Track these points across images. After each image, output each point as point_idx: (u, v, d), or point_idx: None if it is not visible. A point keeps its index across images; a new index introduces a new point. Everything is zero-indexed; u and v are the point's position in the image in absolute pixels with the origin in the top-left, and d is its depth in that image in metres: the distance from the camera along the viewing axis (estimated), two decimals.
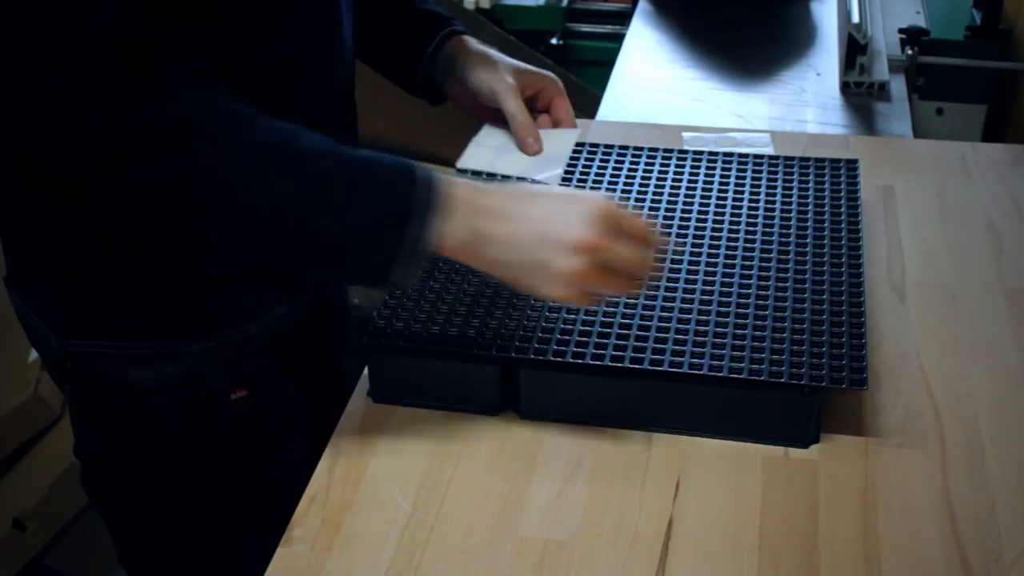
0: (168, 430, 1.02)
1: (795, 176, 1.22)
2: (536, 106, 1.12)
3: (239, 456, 1.06)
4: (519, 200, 0.88)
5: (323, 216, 0.81)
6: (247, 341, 1.02)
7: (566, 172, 1.22)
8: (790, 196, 1.19)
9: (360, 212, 0.82)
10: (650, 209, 1.16)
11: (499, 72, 1.08)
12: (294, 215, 0.81)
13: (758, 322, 0.99)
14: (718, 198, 1.18)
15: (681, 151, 1.27)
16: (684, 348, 0.96)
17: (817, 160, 1.25)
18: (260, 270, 0.95)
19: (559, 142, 1.10)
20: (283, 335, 1.05)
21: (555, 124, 1.12)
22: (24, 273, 1.01)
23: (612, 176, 1.23)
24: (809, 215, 1.15)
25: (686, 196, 1.19)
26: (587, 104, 2.09)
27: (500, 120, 1.10)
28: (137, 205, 0.82)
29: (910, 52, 1.83)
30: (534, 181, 1.06)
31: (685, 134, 1.42)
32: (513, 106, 1.07)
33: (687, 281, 1.05)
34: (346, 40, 1.01)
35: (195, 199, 0.80)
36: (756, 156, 1.26)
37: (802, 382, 0.93)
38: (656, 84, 1.73)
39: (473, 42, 1.12)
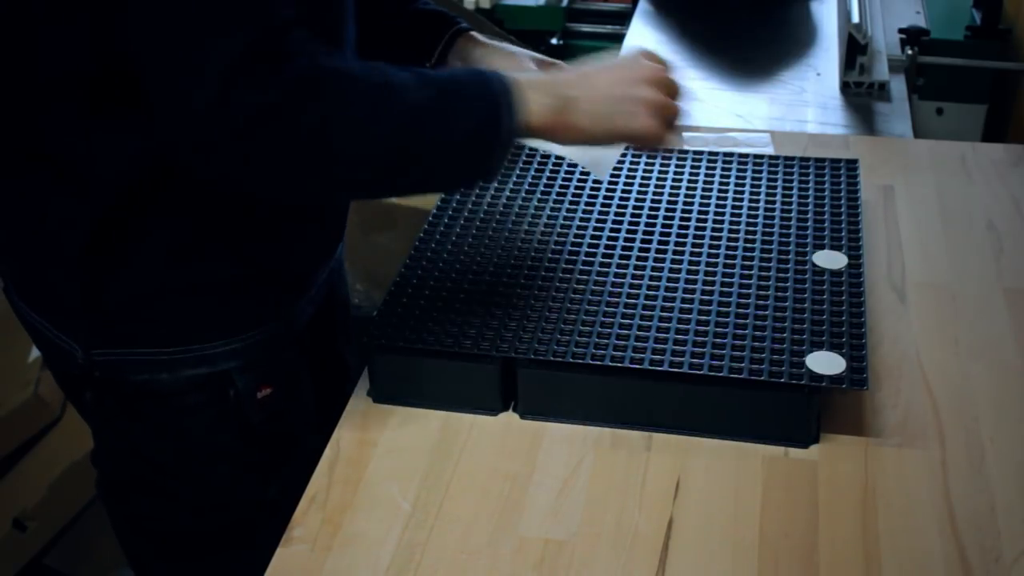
0: (196, 431, 1.03)
1: (795, 176, 1.22)
2: None
3: (264, 454, 1.06)
4: (582, 69, 1.00)
5: (435, 132, 0.91)
6: (270, 339, 1.03)
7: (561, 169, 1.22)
8: (790, 196, 1.19)
9: (465, 121, 0.91)
10: (650, 209, 1.16)
11: (519, 59, 1.12)
12: (413, 136, 0.90)
13: (758, 322, 0.99)
14: (718, 198, 1.18)
15: (681, 151, 1.27)
16: (684, 348, 0.96)
17: (817, 160, 1.25)
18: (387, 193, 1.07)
19: None
20: (298, 332, 1.06)
21: None
22: (45, 289, 1.00)
23: (612, 176, 1.22)
24: (809, 215, 1.15)
25: (686, 196, 1.19)
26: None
27: None
28: (272, 166, 0.87)
29: (910, 52, 1.83)
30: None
31: (685, 134, 1.42)
32: None
33: (687, 281, 1.05)
34: (349, 44, 1.02)
35: (339, 140, 0.87)
36: (756, 156, 1.26)
37: (802, 382, 0.93)
38: None
39: (483, 37, 1.14)
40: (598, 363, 0.95)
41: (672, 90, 1.00)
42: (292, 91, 0.83)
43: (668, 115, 0.98)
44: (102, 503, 1.14)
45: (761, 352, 0.95)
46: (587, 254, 1.09)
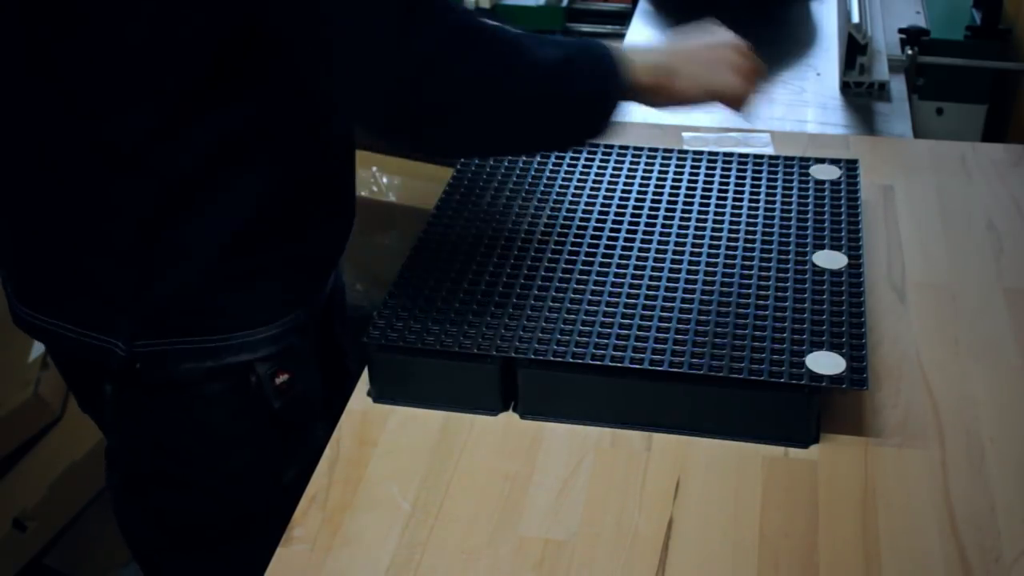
0: (215, 419, 1.04)
1: (795, 176, 1.22)
2: None
3: (280, 440, 1.08)
4: (675, 40, 1.10)
5: (559, 89, 0.98)
6: (293, 326, 1.05)
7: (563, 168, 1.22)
8: (790, 196, 1.19)
9: (585, 82, 0.99)
10: (650, 209, 1.16)
11: None
12: (541, 91, 0.98)
13: (758, 322, 0.99)
14: (718, 198, 1.18)
15: (681, 151, 1.27)
16: (684, 348, 0.96)
17: (817, 160, 1.25)
18: (515, 150, 1.17)
19: None
20: (313, 316, 1.08)
21: None
22: (86, 285, 1.00)
23: (612, 176, 1.23)
24: (809, 215, 1.15)
25: (686, 196, 1.19)
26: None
27: None
28: (434, 109, 0.94)
29: (910, 52, 1.83)
30: None
31: (685, 134, 1.42)
32: None
33: (687, 281, 1.05)
34: None
35: (467, 95, 0.94)
36: (756, 156, 1.26)
37: (802, 382, 0.93)
38: None
39: None
40: (598, 363, 0.95)
41: (752, 55, 1.11)
42: (451, 41, 0.91)
43: (754, 76, 1.09)
44: (114, 501, 1.14)
45: (761, 352, 0.95)
46: (587, 254, 1.09)
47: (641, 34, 1.93)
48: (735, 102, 1.08)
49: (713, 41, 1.09)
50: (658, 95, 1.04)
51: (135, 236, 0.95)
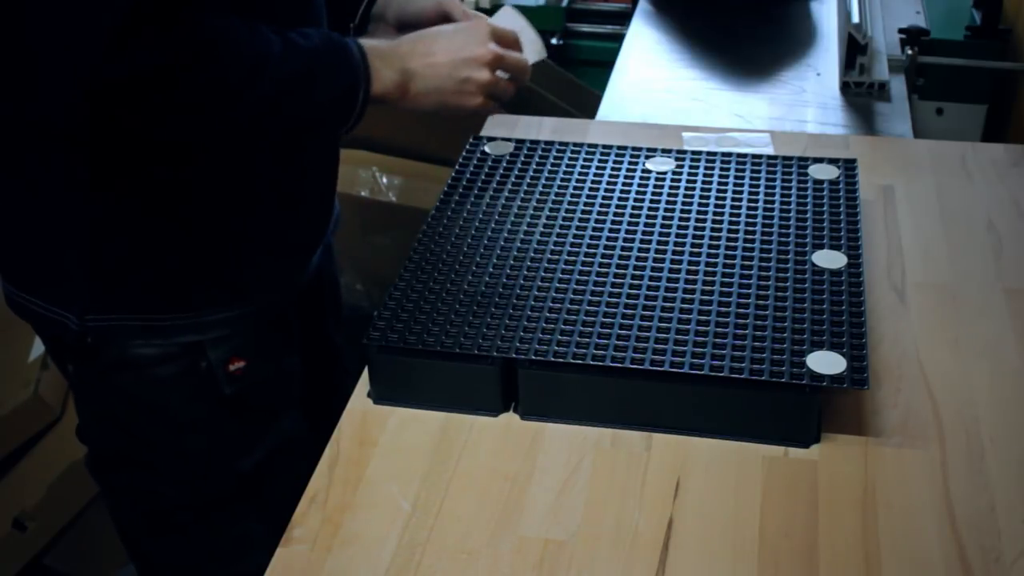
0: (170, 402, 1.06)
1: (794, 176, 1.22)
2: None
3: (239, 427, 1.08)
4: (428, 39, 1.09)
5: (301, 98, 0.99)
6: (252, 313, 1.05)
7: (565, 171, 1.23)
8: (789, 196, 1.19)
9: (327, 89, 1.00)
10: (649, 209, 1.16)
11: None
12: (284, 100, 0.98)
13: (758, 322, 0.99)
14: (718, 198, 1.18)
15: (680, 151, 1.27)
16: (684, 348, 0.96)
17: (816, 160, 1.25)
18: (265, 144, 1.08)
19: (510, 20, 1.22)
20: (284, 307, 1.09)
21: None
22: (42, 259, 1.02)
23: (611, 176, 1.23)
24: (809, 215, 1.15)
25: (685, 196, 1.19)
26: (587, 104, 2.09)
27: None
28: (167, 123, 0.94)
29: (910, 52, 1.83)
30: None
31: (685, 134, 1.42)
32: (458, 10, 1.21)
33: (687, 281, 1.05)
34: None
35: (212, 105, 0.94)
36: (755, 156, 1.26)
37: (802, 382, 0.93)
38: (656, 84, 1.73)
39: None
40: (599, 363, 0.95)
41: (513, 66, 1.12)
42: (182, 53, 0.90)
43: (498, 93, 1.11)
44: (92, 478, 1.15)
45: (761, 352, 0.95)
46: (587, 254, 1.09)
47: (641, 34, 1.94)
48: (475, 113, 1.12)
49: (464, 54, 1.08)
50: (396, 103, 1.06)
51: (79, 211, 0.97)
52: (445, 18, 1.18)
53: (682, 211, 1.16)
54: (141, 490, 1.12)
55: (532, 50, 1.20)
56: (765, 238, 1.11)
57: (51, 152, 0.95)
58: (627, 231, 1.13)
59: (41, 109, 0.91)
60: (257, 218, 1.04)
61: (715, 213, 1.16)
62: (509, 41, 1.14)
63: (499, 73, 1.11)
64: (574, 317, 1.00)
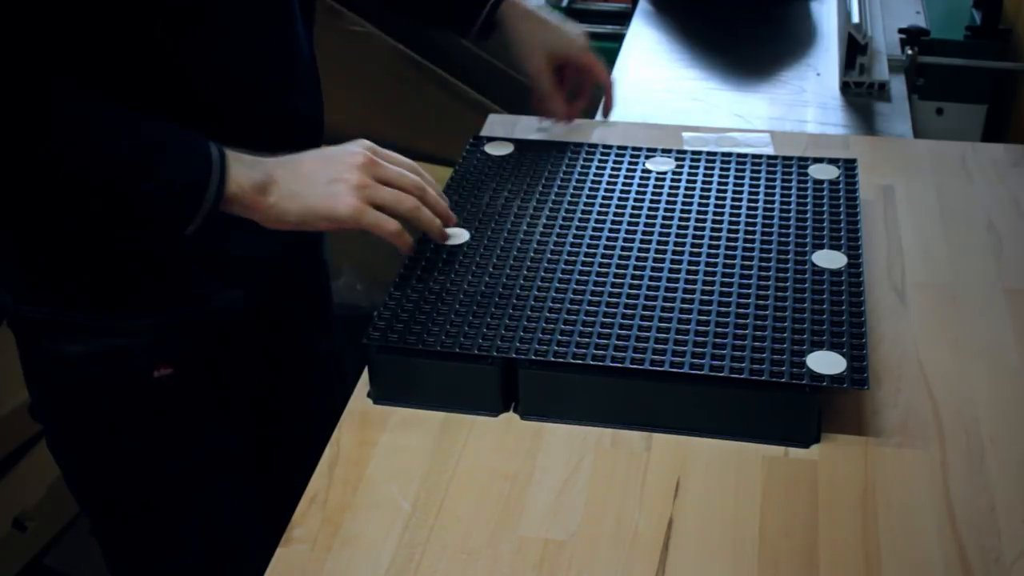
0: (98, 401, 1.06)
1: (794, 176, 1.22)
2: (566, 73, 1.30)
3: (167, 431, 1.09)
4: (299, 154, 0.98)
5: (125, 186, 0.90)
6: (185, 322, 1.05)
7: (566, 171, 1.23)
8: (789, 196, 1.19)
9: (159, 181, 0.90)
10: (649, 209, 1.16)
11: (555, 28, 1.24)
12: (100, 183, 0.90)
13: (758, 322, 0.99)
14: (717, 198, 1.18)
15: (680, 151, 1.27)
16: (684, 348, 0.96)
17: (816, 160, 1.25)
18: (105, 229, 1.01)
19: None
20: (228, 318, 1.08)
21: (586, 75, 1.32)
22: None
23: (611, 176, 1.23)
24: (809, 215, 1.15)
25: (685, 196, 1.19)
26: (587, 104, 2.08)
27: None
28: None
29: (910, 52, 1.83)
30: None
31: (685, 134, 1.42)
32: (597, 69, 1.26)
33: (687, 281, 1.05)
34: (300, 39, 1.04)
35: (23, 174, 0.89)
36: (755, 156, 1.26)
37: (802, 382, 0.93)
38: (656, 84, 1.73)
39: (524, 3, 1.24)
40: (599, 363, 0.95)
41: (389, 172, 0.99)
42: (15, 121, 0.84)
43: (383, 202, 0.98)
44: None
45: (761, 352, 0.95)
46: (587, 254, 1.09)
47: (641, 34, 1.93)
48: (347, 225, 0.97)
49: (336, 154, 0.98)
50: (254, 210, 0.94)
51: (11, 205, 0.97)
52: (581, 69, 1.23)
53: (682, 211, 1.16)
54: (83, 477, 1.14)
55: None
56: (765, 238, 1.11)
57: None
58: (627, 231, 1.13)
59: None
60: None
61: (715, 213, 1.16)
62: (391, 155, 1.02)
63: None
64: (574, 317, 1.00)
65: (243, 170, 0.93)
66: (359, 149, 0.98)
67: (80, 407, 1.08)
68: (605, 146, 1.28)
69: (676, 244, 1.11)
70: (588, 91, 1.34)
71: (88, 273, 1.01)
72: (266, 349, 1.16)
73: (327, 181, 0.96)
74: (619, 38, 1.99)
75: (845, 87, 1.67)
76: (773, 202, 1.18)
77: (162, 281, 1.03)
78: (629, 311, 1.01)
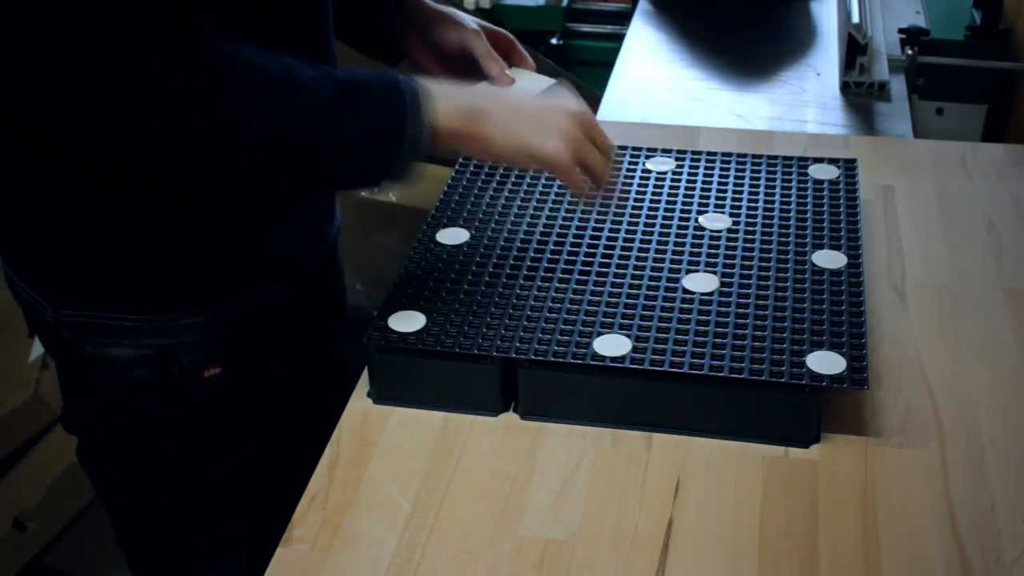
0: (144, 404, 1.05)
1: (794, 176, 1.22)
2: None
3: (215, 432, 1.08)
4: (513, 96, 1.00)
5: (337, 129, 0.88)
6: (230, 319, 1.04)
7: None
8: (789, 196, 1.19)
9: (368, 120, 0.89)
10: (649, 208, 1.16)
11: (463, 22, 1.13)
12: (313, 132, 0.88)
13: (758, 322, 0.99)
14: (717, 198, 1.18)
15: (680, 151, 1.27)
16: (684, 348, 0.96)
17: (816, 160, 1.25)
18: (285, 198, 0.99)
19: (533, 81, 1.11)
20: (270, 314, 1.07)
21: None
22: (21, 245, 1.02)
23: (611, 175, 1.22)
24: (809, 215, 1.15)
25: (685, 195, 1.19)
26: (587, 104, 2.08)
27: (460, 75, 1.10)
28: (168, 155, 0.87)
29: (910, 52, 1.83)
30: None
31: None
32: (482, 47, 1.11)
33: (687, 281, 1.05)
34: (331, 43, 1.05)
35: (217, 139, 0.86)
36: (755, 156, 1.26)
37: (802, 382, 0.93)
38: (656, 84, 1.73)
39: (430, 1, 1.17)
40: (599, 363, 0.95)
41: (598, 139, 0.99)
42: (194, 77, 0.82)
43: (583, 155, 0.97)
44: (81, 468, 1.16)
45: (761, 352, 0.95)
46: (587, 254, 1.09)
47: (641, 34, 1.94)
48: (560, 171, 0.97)
49: (550, 103, 0.98)
50: (463, 141, 0.94)
51: (52, 209, 0.95)
52: (454, 68, 1.12)
53: (682, 211, 1.16)
54: (122, 485, 1.12)
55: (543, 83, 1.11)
56: (765, 238, 1.11)
57: (26, 153, 0.93)
58: (627, 231, 1.13)
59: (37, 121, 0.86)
60: (232, 227, 1.01)
61: (715, 213, 1.15)
62: (601, 130, 1.02)
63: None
64: (574, 317, 1.00)
65: (445, 102, 0.92)
66: (580, 105, 0.99)
67: (125, 412, 1.05)
68: None
69: (676, 244, 1.10)
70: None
71: (129, 273, 0.99)
72: (298, 348, 1.16)
73: (542, 122, 0.96)
74: (619, 38, 1.99)
75: (845, 87, 1.67)
76: (773, 202, 1.18)
77: (206, 278, 1.02)
78: (629, 311, 1.01)
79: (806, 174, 1.23)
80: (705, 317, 1.00)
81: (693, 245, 1.10)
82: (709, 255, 1.09)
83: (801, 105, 1.63)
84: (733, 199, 1.18)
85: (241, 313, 1.05)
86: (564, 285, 1.05)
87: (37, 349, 1.73)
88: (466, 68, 1.11)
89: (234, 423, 1.08)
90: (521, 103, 0.98)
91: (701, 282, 1.05)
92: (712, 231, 1.13)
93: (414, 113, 0.90)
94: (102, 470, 1.13)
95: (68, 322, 1.01)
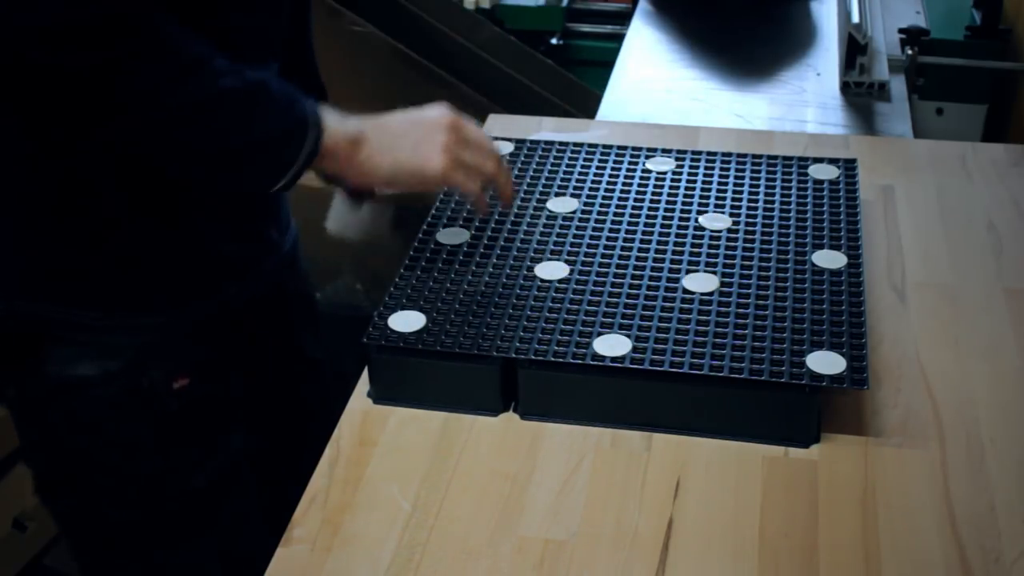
0: (113, 423, 1.04)
1: (794, 176, 1.22)
2: None
3: (184, 446, 1.07)
4: (384, 116, 1.00)
5: (238, 121, 0.90)
6: (192, 324, 1.03)
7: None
8: (789, 196, 1.19)
9: (270, 121, 0.92)
10: (649, 208, 1.16)
11: None
12: (213, 118, 0.90)
13: (758, 322, 0.99)
14: (717, 198, 1.18)
15: (680, 151, 1.27)
16: (684, 348, 0.96)
17: (816, 160, 1.25)
18: (195, 170, 0.98)
19: None
20: (230, 321, 1.07)
21: None
22: None
23: (611, 176, 1.23)
24: (809, 215, 1.15)
25: (685, 196, 1.19)
26: (587, 104, 2.09)
27: None
28: (98, 119, 0.88)
29: (910, 52, 1.83)
30: None
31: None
32: None
33: (687, 281, 1.05)
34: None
35: (123, 94, 0.87)
36: (755, 156, 1.26)
37: (802, 382, 0.93)
38: (656, 84, 1.73)
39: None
40: (599, 363, 0.95)
41: (472, 136, 1.01)
42: (122, 46, 0.84)
43: (463, 159, 1.00)
44: (41, 504, 1.14)
45: (761, 352, 0.95)
46: (587, 254, 1.09)
47: (641, 34, 1.94)
48: (436, 183, 1.00)
49: (424, 115, 1.00)
50: (347, 164, 0.96)
51: (13, 197, 0.96)
52: None
53: (682, 211, 1.16)
54: (93, 514, 1.10)
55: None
56: (765, 238, 1.11)
57: None
58: (627, 231, 1.13)
59: None
60: (183, 228, 1.00)
61: (715, 213, 1.15)
62: (472, 126, 1.04)
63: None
64: (574, 317, 1.00)
65: (335, 125, 0.94)
66: (444, 111, 1.00)
67: (91, 434, 1.04)
68: (605, 146, 1.28)
69: (676, 244, 1.10)
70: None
71: (79, 268, 0.98)
72: (265, 356, 1.15)
73: (417, 140, 0.98)
74: (619, 38, 1.99)
75: (845, 87, 1.67)
76: (773, 202, 1.18)
77: (159, 279, 1.01)
78: (629, 311, 1.01)
79: (806, 174, 1.23)
80: (705, 317, 1.00)
81: (693, 245, 1.10)
82: (709, 255, 1.09)
83: (801, 105, 1.63)
84: (733, 199, 1.18)
85: (202, 319, 1.04)
86: (564, 285, 1.05)
87: None
88: None
89: (202, 436, 1.08)
90: (399, 124, 0.99)
91: (701, 282, 1.05)
92: (712, 231, 1.13)
93: (313, 125, 0.93)
94: (70, 502, 1.11)
95: (21, 313, 0.99)
